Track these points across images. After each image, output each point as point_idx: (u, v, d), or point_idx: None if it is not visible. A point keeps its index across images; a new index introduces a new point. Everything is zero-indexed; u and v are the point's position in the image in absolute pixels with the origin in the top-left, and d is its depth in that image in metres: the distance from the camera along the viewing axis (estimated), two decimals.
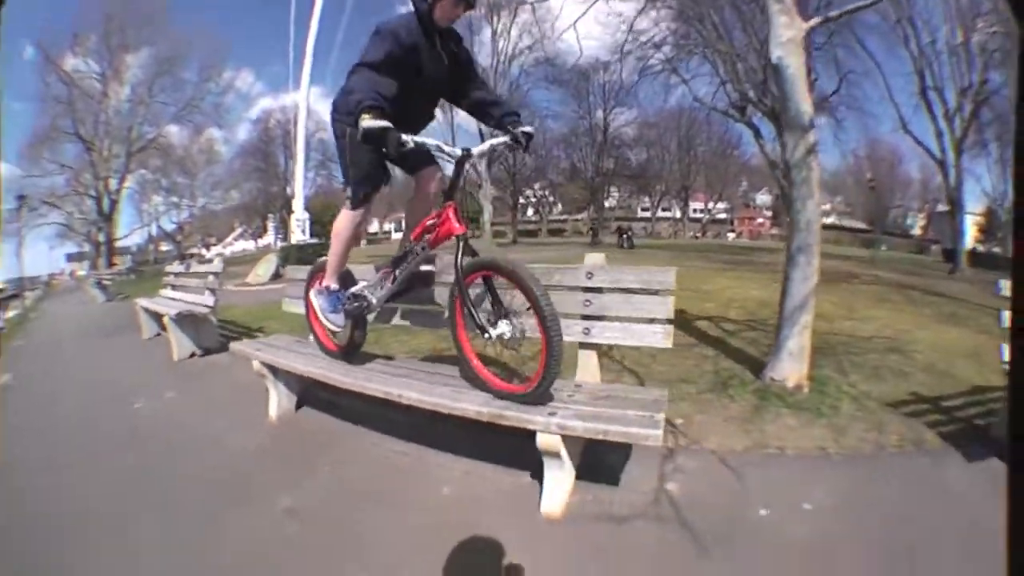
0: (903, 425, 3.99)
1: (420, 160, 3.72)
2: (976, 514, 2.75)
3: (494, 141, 3.49)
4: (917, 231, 63.00)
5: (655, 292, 3.37)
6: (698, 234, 61.84)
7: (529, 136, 3.53)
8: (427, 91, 3.60)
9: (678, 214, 65.96)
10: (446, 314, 3.50)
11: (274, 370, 4.48)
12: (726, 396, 4.52)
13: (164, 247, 61.87)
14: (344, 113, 3.51)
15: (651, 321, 3.32)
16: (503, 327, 3.08)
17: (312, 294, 4.08)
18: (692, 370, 5.23)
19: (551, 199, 67.85)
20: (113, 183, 47.09)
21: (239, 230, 70.82)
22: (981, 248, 48.80)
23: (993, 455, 3.38)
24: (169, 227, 58.68)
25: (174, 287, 8.83)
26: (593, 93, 53.22)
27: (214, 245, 73.42)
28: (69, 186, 47.43)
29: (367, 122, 3.01)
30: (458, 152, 3.28)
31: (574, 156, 58.23)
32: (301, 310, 4.86)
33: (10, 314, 21.75)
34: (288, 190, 48.47)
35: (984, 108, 30.10)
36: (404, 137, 3.06)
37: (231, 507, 3.20)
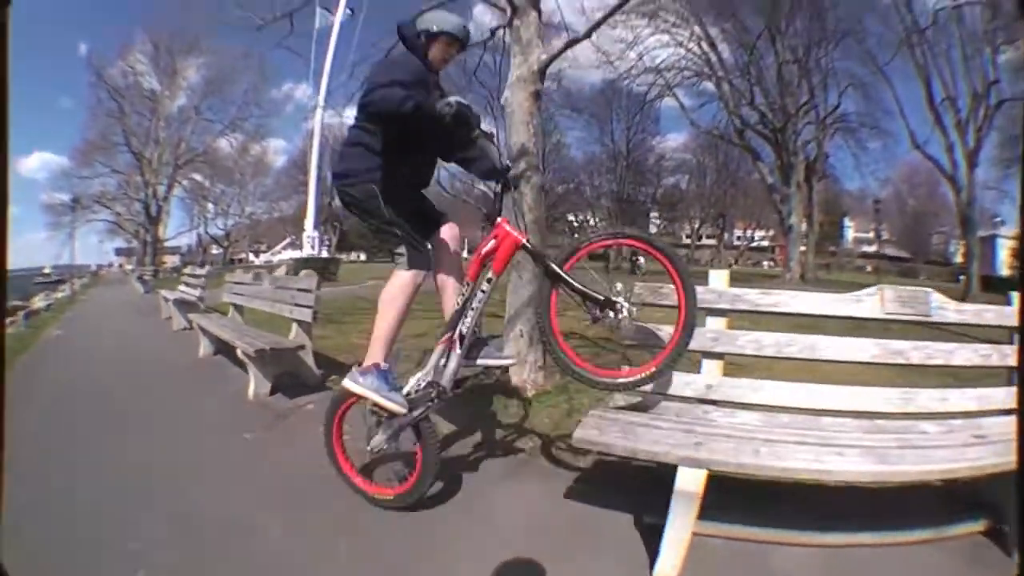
0: (562, 455, 4.10)
1: (438, 220, 3.66)
2: None
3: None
4: (959, 259, 59.54)
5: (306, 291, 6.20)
6: (732, 262, 62.20)
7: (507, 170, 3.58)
8: (428, 141, 3.42)
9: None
10: (538, 317, 3.22)
11: (205, 331, 8.36)
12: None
13: (215, 250, 67.12)
14: (362, 172, 3.38)
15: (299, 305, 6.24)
16: (622, 302, 3.01)
17: (352, 383, 3.31)
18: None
19: (592, 223, 67.43)
20: (161, 190, 51.94)
21: (288, 240, 75.57)
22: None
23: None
24: (217, 232, 64.08)
25: (186, 284, 12.90)
26: (615, 120, 56.22)
27: (263, 252, 78.56)
28: (120, 189, 52.81)
29: (454, 97, 3.00)
30: (507, 163, 3.42)
31: (609, 182, 60.21)
32: (234, 299, 8.58)
33: (59, 295, 27.00)
34: (332, 204, 51.50)
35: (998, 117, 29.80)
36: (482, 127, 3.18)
37: (162, 379, 7.36)
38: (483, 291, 3.28)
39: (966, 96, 29.69)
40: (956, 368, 3.39)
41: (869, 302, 3.30)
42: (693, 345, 3.09)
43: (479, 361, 3.46)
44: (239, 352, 5.93)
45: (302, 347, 6.21)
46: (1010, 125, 33.20)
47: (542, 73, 5.70)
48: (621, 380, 3.04)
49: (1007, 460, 2.59)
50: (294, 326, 6.47)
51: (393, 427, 3.29)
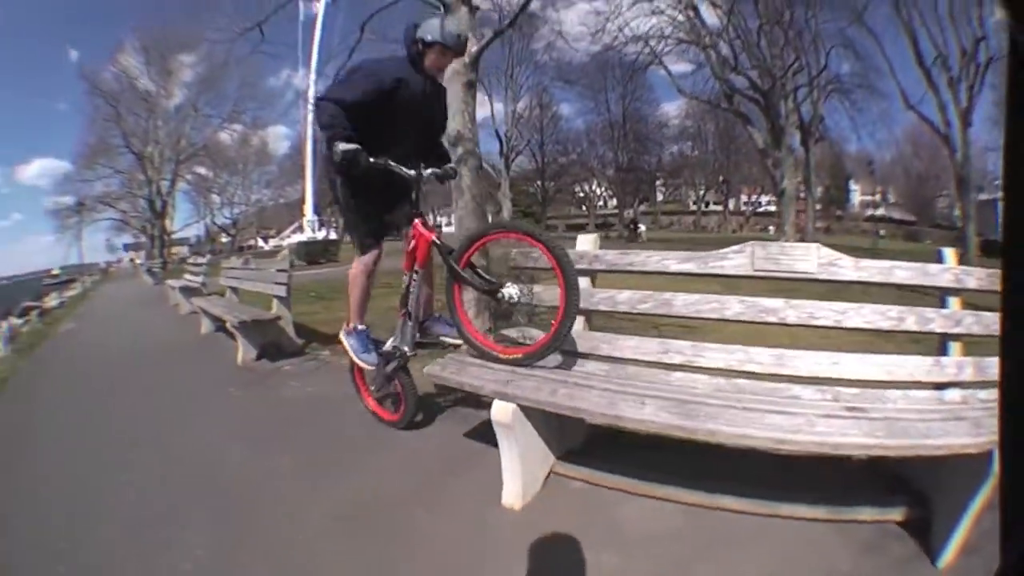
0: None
1: (407, 219, 3.89)
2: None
3: (434, 170, 3.90)
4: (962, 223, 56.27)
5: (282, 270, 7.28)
6: (736, 228, 62.95)
7: (452, 172, 4.19)
8: (406, 141, 3.77)
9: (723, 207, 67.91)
10: (448, 303, 3.78)
11: (205, 312, 9.34)
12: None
13: (224, 239, 68.66)
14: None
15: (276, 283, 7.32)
16: (510, 290, 3.45)
17: (342, 335, 4.23)
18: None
19: (598, 192, 69.39)
20: (165, 185, 52.67)
21: (296, 224, 76.44)
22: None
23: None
24: (224, 221, 65.54)
25: (190, 272, 13.99)
26: (608, 89, 56.85)
27: (272, 237, 79.67)
28: (124, 187, 53.97)
29: (342, 146, 3.41)
30: (412, 173, 3.65)
31: (613, 152, 60.47)
32: (230, 283, 9.60)
33: (70, 293, 28.30)
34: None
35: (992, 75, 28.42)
36: (372, 159, 3.49)
37: (169, 353, 8.40)
38: (414, 280, 3.91)
39: (956, 53, 28.87)
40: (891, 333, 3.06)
41: (737, 259, 3.23)
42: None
43: (439, 339, 4.10)
44: (228, 324, 6.94)
45: (279, 318, 7.21)
46: None
47: (475, 64, 6.28)
48: (510, 357, 3.40)
49: (896, 444, 2.31)
50: (274, 301, 7.40)
51: (379, 376, 4.19)
